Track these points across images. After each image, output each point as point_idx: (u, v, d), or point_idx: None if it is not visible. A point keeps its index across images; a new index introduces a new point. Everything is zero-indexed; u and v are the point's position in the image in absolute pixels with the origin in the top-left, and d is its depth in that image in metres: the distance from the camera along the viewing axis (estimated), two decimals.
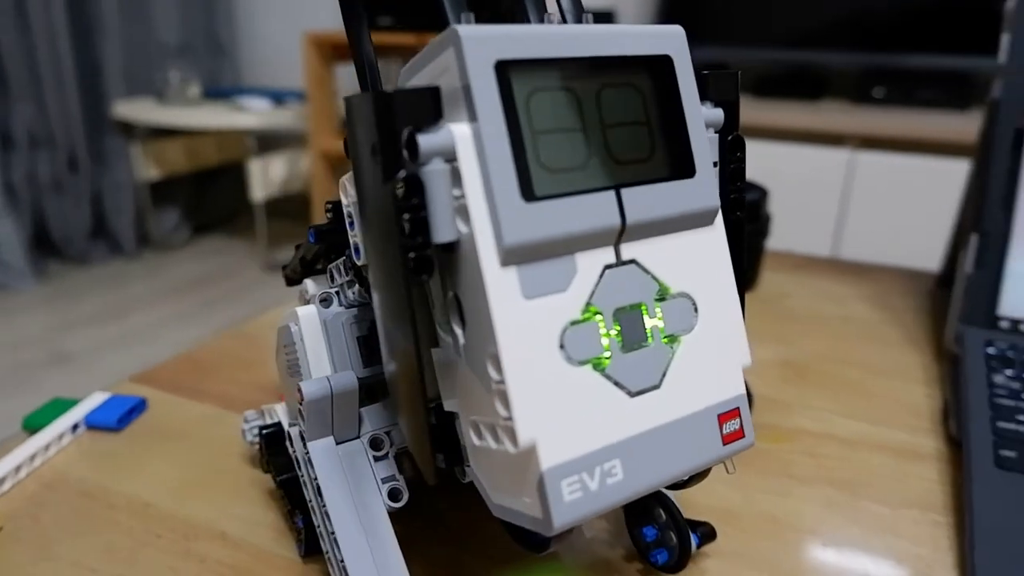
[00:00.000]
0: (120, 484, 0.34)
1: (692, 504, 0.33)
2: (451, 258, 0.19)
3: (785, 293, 0.58)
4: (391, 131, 0.17)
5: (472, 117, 0.17)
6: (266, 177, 1.95)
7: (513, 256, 0.18)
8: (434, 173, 0.17)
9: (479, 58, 0.17)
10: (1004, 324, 0.45)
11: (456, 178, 0.18)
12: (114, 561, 0.29)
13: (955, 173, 1.32)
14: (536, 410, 0.18)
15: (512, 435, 0.18)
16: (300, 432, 0.25)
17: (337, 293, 0.28)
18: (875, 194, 1.41)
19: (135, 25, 2.21)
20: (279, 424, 0.32)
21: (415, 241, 0.17)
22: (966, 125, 1.34)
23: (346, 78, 2.25)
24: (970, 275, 0.46)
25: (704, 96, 0.22)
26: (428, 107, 0.17)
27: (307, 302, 0.32)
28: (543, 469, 0.18)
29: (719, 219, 0.22)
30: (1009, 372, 0.40)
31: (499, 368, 0.18)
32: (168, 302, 2.04)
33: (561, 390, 0.18)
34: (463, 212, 0.18)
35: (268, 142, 2.25)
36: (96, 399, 0.39)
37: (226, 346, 0.48)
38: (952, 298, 0.47)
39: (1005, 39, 0.48)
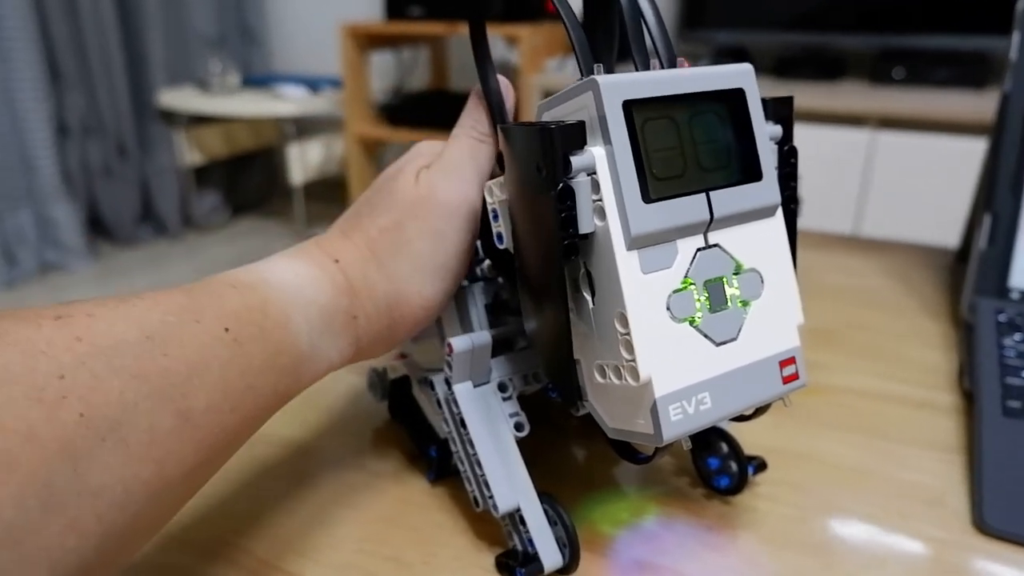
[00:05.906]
0: (269, 428, 0.41)
1: (746, 443, 0.40)
2: (587, 244, 0.25)
3: (809, 267, 0.64)
4: (553, 154, 0.24)
5: (607, 141, 0.24)
6: (304, 161, 2.02)
7: (636, 243, 0.24)
8: (581, 184, 0.24)
9: (612, 99, 0.24)
10: (1014, 295, 0.51)
11: (595, 187, 0.24)
12: (279, 484, 0.37)
13: (972, 152, 1.36)
14: (651, 354, 0.25)
15: (634, 373, 0.25)
16: (445, 378, 0.32)
17: None
18: (895, 173, 1.45)
19: (174, 17, 2.31)
20: (406, 376, 0.39)
21: (567, 232, 0.24)
22: (982, 104, 1.38)
23: (378, 64, 2.31)
24: (983, 251, 0.52)
25: (766, 116, 0.28)
26: (578, 137, 0.24)
27: None
28: (656, 397, 0.25)
29: (779, 211, 0.28)
30: (1017, 336, 0.46)
31: (625, 324, 0.24)
32: None
33: (667, 340, 0.25)
34: (599, 212, 0.24)
35: (304, 127, 2.33)
36: None
37: None
38: (967, 272, 0.53)
39: (1016, 37, 0.53)
